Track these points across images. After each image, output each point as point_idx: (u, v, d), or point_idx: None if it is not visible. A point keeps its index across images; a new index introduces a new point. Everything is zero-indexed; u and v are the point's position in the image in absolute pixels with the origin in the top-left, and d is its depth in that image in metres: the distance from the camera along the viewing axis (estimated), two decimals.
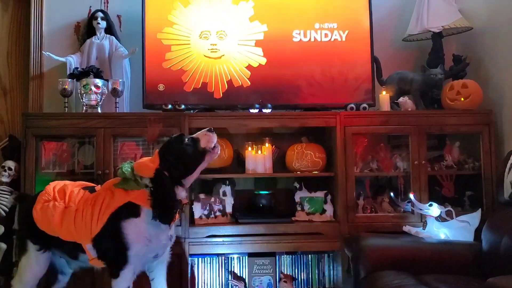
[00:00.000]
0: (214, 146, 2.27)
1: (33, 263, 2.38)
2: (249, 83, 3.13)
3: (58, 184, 2.45)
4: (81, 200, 2.33)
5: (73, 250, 2.32)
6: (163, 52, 3.23)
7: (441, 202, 3.04)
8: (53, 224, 2.28)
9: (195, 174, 2.29)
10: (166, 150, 2.26)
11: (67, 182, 2.48)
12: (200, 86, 3.23)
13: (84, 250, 2.28)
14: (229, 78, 3.20)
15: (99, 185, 2.45)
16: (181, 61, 3.03)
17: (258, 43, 3.25)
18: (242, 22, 3.13)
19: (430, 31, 3.47)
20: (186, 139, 2.27)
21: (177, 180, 2.23)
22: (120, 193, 2.24)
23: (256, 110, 3.19)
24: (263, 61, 3.24)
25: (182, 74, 3.21)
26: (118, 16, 3.65)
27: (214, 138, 2.28)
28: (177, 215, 2.30)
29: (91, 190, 2.39)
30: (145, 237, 2.21)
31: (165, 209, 2.17)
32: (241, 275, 3.21)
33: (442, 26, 3.43)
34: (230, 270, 3.21)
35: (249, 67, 3.25)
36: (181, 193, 2.25)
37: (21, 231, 2.53)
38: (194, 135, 2.30)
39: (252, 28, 3.03)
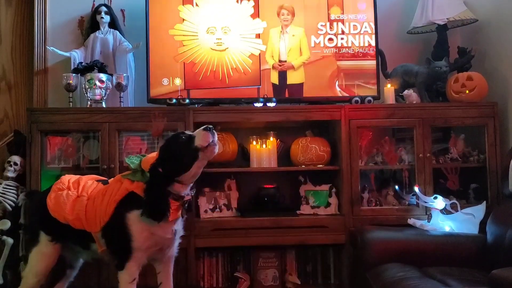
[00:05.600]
0: (208, 145, 2.18)
1: (44, 254, 2.40)
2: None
3: (73, 176, 2.50)
4: (94, 190, 2.38)
5: (84, 239, 2.35)
6: (175, 46, 3.25)
7: (446, 195, 3.05)
8: (64, 211, 2.32)
9: (193, 172, 2.22)
10: (163, 146, 2.28)
11: (82, 176, 2.52)
12: (208, 74, 3.25)
13: (94, 240, 2.31)
14: (234, 66, 3.23)
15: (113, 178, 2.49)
16: (191, 55, 3.09)
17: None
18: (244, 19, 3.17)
19: (435, 23, 3.45)
20: (183, 136, 2.23)
21: (173, 177, 2.21)
22: (126, 183, 2.28)
23: (261, 104, 3.19)
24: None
25: (193, 66, 3.24)
26: (122, 10, 3.64)
27: (209, 137, 2.18)
28: (175, 212, 2.24)
29: (104, 183, 2.43)
30: (147, 230, 2.22)
31: (152, 205, 2.18)
32: (247, 269, 3.22)
33: (447, 18, 3.41)
34: (235, 263, 3.23)
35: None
36: (181, 190, 2.23)
37: (33, 222, 2.56)
38: (193, 133, 2.26)
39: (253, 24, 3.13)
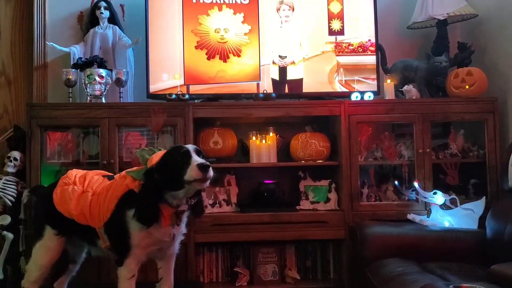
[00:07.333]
0: (195, 180, 2.07)
1: (48, 248, 2.42)
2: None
3: (80, 171, 2.50)
4: (99, 186, 2.37)
5: (89, 234, 2.35)
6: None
7: (445, 190, 3.05)
8: (69, 206, 2.33)
9: (181, 194, 2.15)
10: (164, 156, 2.18)
11: (89, 171, 2.52)
12: (214, 57, 3.42)
13: (98, 235, 2.32)
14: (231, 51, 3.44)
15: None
16: (205, 45, 3.41)
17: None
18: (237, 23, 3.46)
19: (435, 18, 3.44)
20: (180, 158, 2.10)
21: (164, 189, 2.16)
22: (128, 180, 2.26)
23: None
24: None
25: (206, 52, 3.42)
26: (121, 6, 3.63)
27: (198, 174, 2.05)
28: (167, 219, 2.19)
29: (110, 178, 2.43)
30: (145, 228, 2.18)
31: (141, 210, 2.14)
32: (246, 264, 3.23)
33: (447, 14, 3.40)
34: (235, 258, 3.23)
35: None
36: (175, 202, 2.18)
37: (39, 216, 2.57)
38: (193, 158, 2.09)
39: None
